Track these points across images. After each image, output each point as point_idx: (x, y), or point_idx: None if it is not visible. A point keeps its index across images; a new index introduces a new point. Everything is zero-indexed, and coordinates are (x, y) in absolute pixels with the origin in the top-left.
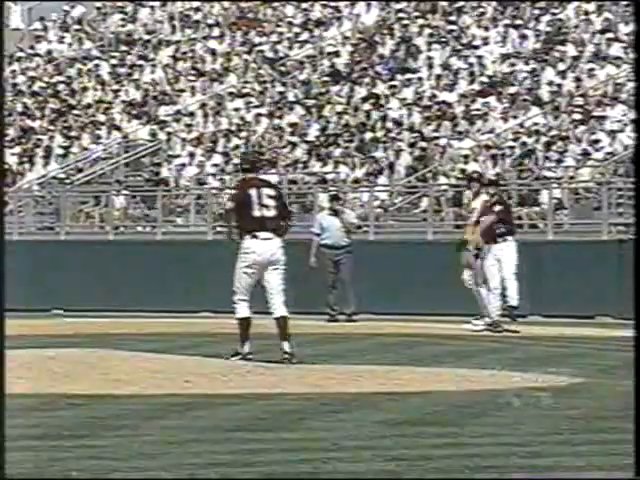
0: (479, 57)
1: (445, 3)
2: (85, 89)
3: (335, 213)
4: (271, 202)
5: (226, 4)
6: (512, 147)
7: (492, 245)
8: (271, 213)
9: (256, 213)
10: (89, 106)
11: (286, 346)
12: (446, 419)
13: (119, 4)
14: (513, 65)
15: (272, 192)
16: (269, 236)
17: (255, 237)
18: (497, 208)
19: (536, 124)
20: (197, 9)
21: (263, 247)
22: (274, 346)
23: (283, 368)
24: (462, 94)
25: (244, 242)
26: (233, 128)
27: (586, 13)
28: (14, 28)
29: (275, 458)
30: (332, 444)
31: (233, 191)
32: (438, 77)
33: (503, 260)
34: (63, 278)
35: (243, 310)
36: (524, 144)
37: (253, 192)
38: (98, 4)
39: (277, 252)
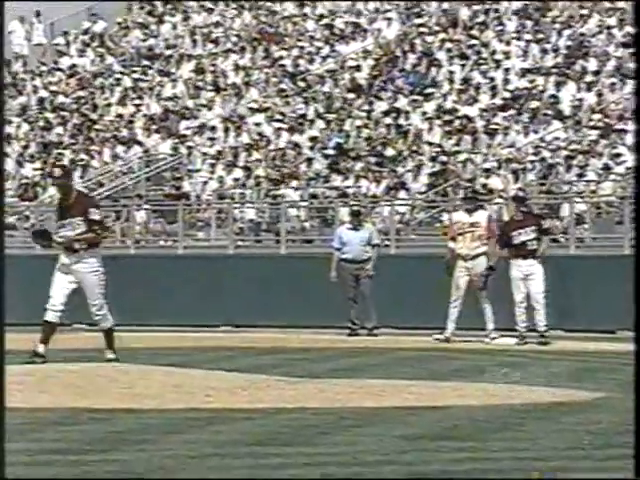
0: (505, 70)
1: (466, 17)
2: (108, 104)
3: (356, 229)
4: None
5: (247, 19)
6: (533, 161)
7: (520, 260)
8: None
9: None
10: (111, 121)
11: (109, 353)
12: (466, 434)
13: (140, 20)
14: (534, 80)
15: None
16: None
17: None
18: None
19: (557, 138)
20: (218, 24)
21: None
22: (295, 360)
23: (303, 382)
24: (483, 108)
25: (98, 256)
26: (253, 143)
27: (608, 27)
28: (36, 43)
29: (295, 473)
30: (352, 458)
31: (92, 204)
32: (459, 91)
33: (533, 278)
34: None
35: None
36: (543, 159)
37: None
38: (119, 19)
39: None
